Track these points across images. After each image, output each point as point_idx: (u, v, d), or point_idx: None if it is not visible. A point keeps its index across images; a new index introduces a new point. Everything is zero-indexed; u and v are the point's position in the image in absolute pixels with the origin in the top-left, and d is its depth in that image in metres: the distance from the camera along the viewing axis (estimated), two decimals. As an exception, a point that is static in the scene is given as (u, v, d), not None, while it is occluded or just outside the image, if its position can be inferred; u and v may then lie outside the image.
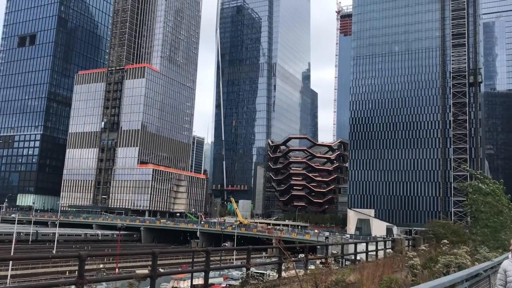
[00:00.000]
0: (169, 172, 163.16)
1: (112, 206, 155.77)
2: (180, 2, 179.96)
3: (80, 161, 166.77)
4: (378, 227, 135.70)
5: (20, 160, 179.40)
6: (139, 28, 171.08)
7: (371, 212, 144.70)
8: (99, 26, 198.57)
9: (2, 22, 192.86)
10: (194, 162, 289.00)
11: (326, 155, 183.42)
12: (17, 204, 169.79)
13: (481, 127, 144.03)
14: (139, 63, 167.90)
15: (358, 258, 24.94)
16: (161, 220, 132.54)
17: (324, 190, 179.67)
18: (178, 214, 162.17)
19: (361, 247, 30.15)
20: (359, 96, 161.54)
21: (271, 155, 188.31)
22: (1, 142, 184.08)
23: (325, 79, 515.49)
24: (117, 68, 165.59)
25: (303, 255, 18.86)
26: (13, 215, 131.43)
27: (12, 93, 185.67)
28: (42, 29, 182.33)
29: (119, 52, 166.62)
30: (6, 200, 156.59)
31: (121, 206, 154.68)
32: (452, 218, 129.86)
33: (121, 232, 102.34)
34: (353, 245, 28.17)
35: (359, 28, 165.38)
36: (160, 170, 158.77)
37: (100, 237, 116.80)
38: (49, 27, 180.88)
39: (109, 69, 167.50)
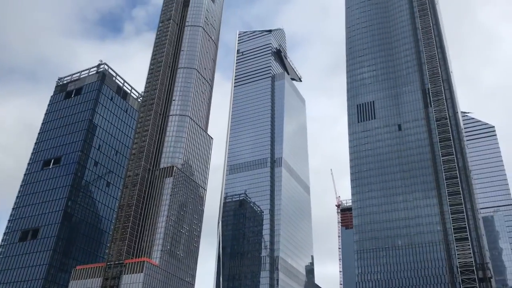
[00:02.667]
0: None
1: None
2: (185, 197, 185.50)
3: None
4: None
5: None
6: (142, 222, 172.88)
7: None
8: (103, 221, 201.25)
9: (8, 217, 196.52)
10: None
11: None
12: None
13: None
14: (139, 256, 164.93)
15: None
16: None
17: None
18: None
19: None
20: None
21: None
22: None
23: (329, 272, 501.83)
24: (116, 262, 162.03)
25: None
26: None
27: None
28: (46, 223, 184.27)
29: (120, 246, 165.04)
30: None
31: None
32: None
33: None
34: None
35: (360, 222, 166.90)
36: None
37: None
38: (54, 222, 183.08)
39: (108, 263, 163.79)
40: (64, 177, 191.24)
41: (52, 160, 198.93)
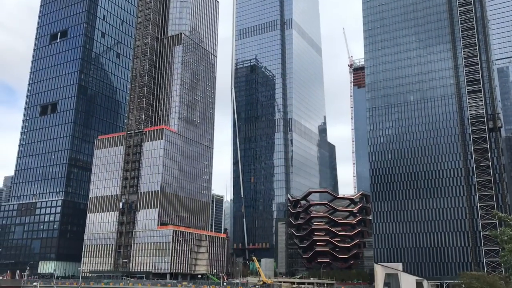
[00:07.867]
0: (190, 232, 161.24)
1: (133, 270, 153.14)
2: (196, 65, 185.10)
3: (100, 225, 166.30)
4: (408, 282, 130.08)
5: (41, 226, 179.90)
6: (156, 91, 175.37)
7: (399, 266, 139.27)
8: (117, 92, 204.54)
9: (26, 93, 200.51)
10: (214, 221, 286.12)
11: (348, 209, 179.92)
12: (39, 271, 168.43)
13: (506, 173, 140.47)
14: (157, 125, 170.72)
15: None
16: (183, 283, 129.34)
17: (349, 245, 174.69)
18: (199, 276, 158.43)
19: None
20: (378, 147, 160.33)
21: (292, 211, 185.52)
22: (24, 210, 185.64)
23: (341, 132, 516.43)
24: (136, 131, 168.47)
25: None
26: (34, 284, 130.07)
27: (34, 161, 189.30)
28: (63, 97, 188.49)
29: (138, 116, 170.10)
30: (28, 268, 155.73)
31: (142, 270, 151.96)
32: (485, 269, 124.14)
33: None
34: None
35: (373, 80, 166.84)
36: (180, 231, 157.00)
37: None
38: (70, 95, 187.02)
39: (128, 132, 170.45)
40: (73, 50, 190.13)
41: (59, 34, 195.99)
